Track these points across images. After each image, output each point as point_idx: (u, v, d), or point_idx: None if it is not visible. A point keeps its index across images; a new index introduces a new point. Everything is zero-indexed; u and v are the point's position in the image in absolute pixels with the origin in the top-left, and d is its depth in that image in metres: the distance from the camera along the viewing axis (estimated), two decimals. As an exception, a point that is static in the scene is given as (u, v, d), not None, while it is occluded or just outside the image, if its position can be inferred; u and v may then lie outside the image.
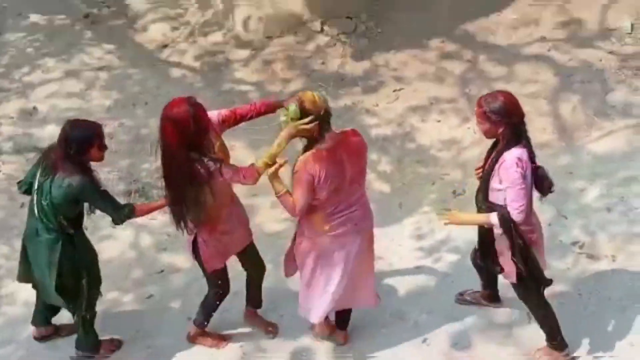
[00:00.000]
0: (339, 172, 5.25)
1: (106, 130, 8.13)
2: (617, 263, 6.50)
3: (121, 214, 5.74)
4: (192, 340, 6.29)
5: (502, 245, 5.33)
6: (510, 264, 5.37)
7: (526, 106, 7.89)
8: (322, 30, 9.37)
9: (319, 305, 5.73)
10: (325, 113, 5.25)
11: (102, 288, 6.93)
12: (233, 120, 5.78)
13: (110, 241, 7.42)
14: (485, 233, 5.50)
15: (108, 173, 7.93)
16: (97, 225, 7.52)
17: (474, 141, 7.95)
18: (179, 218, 5.58)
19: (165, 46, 9.48)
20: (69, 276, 5.74)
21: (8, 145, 8.25)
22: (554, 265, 6.55)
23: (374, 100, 8.54)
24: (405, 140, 8.09)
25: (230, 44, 9.38)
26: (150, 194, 7.73)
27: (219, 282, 6.04)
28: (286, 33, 9.35)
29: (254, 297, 6.40)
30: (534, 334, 5.87)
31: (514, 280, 5.46)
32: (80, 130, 5.53)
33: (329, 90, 8.64)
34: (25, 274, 5.92)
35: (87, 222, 7.42)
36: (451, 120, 8.24)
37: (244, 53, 9.23)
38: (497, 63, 8.68)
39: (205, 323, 6.22)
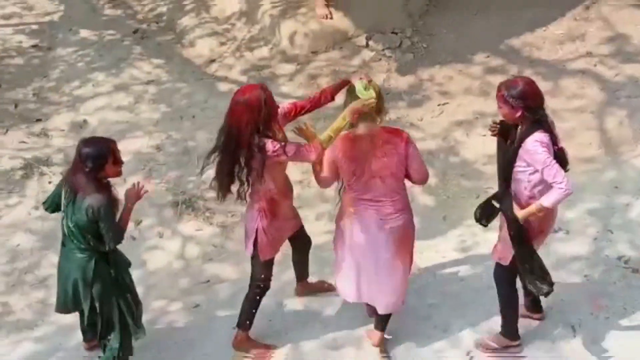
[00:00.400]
0: (359, 160, 5.51)
1: (155, 142, 8.37)
2: (662, 281, 6.46)
3: (112, 241, 5.59)
4: (237, 346, 6.30)
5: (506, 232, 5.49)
6: (509, 249, 5.52)
7: (572, 121, 7.99)
8: (367, 45, 9.43)
9: (340, 284, 6.02)
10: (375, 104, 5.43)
11: (149, 298, 7.08)
12: (294, 113, 5.95)
13: (157, 251, 7.53)
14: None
15: (156, 185, 8.06)
16: (143, 236, 7.65)
17: (518, 155, 7.94)
18: (224, 190, 5.72)
19: (212, 61, 9.61)
20: (103, 298, 5.71)
21: (59, 157, 8.41)
22: (600, 279, 6.54)
23: (419, 114, 8.58)
24: (449, 154, 8.12)
25: (276, 59, 9.47)
26: (197, 206, 7.83)
27: (263, 275, 6.14)
28: (331, 48, 9.42)
29: (301, 270, 6.64)
30: (578, 347, 5.86)
31: (506, 264, 5.63)
32: (93, 148, 5.52)
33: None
34: (64, 304, 5.79)
35: (134, 232, 7.60)
36: (496, 135, 8.24)
37: (289, 67, 9.32)
38: (542, 78, 8.65)
39: (248, 323, 6.24)
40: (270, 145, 5.42)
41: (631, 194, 7.30)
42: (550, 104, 8.12)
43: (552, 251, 6.88)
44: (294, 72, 9.26)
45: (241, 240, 7.40)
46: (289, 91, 9.02)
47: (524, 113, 5.26)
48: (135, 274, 7.26)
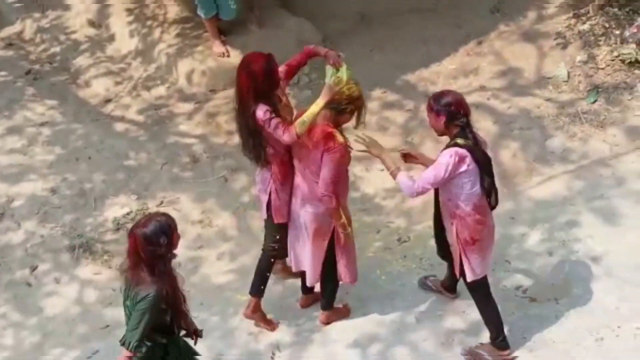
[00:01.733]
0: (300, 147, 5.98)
1: (49, 185, 8.19)
2: (560, 306, 6.58)
3: (131, 342, 5.17)
4: (250, 314, 6.66)
5: (451, 238, 5.91)
6: (456, 257, 5.92)
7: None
8: (265, 82, 9.45)
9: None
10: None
11: (45, 346, 6.90)
12: (290, 74, 6.50)
13: (54, 297, 7.34)
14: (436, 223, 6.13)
15: (51, 229, 7.87)
16: (40, 282, 7.45)
17: (417, 189, 8.03)
18: (255, 155, 6.10)
19: (108, 101, 9.46)
20: None
21: (-50, 204, 8.16)
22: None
23: (318, 150, 8.61)
24: (350, 189, 8.15)
25: (174, 98, 9.39)
26: (95, 249, 7.67)
27: (278, 237, 6.44)
28: (229, 86, 9.38)
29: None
30: None
31: (458, 273, 6.02)
32: (157, 226, 5.00)
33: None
34: None
35: (30, 278, 7.41)
36: (395, 169, 8.32)
37: (188, 106, 9.26)
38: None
39: (262, 288, 6.59)
40: (260, 113, 5.81)
41: (527, 224, 7.46)
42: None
43: (452, 283, 6.97)
44: (193, 111, 9.19)
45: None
46: (187, 130, 8.96)
47: (447, 119, 5.61)
48: (31, 321, 7.13)
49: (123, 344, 5.09)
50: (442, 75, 9.34)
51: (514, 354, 6.19)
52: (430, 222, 7.21)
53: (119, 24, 10.17)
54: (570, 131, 8.37)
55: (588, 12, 9.45)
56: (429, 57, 9.56)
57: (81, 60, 9.97)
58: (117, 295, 7.21)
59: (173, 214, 7.80)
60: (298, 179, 6.15)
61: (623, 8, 9.37)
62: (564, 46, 9.26)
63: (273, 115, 5.83)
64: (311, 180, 6.00)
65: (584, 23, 9.40)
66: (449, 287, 6.74)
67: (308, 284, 6.52)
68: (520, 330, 6.41)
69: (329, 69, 5.99)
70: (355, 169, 8.28)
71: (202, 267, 7.52)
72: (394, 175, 5.78)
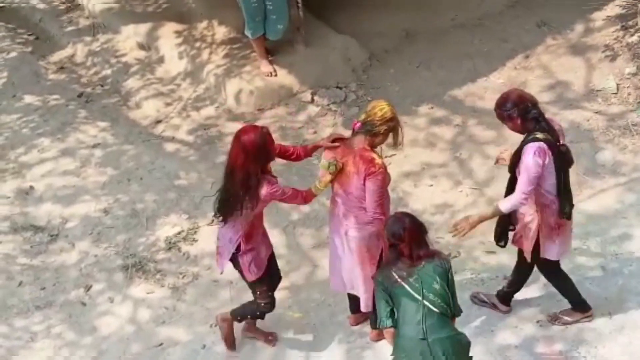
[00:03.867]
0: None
1: (102, 206, 8.31)
2: (614, 320, 6.52)
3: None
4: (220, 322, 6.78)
5: (529, 225, 6.06)
6: (528, 243, 6.12)
7: (516, 167, 8.06)
8: (312, 100, 9.50)
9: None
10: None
11: (101, 364, 7.00)
12: (282, 154, 6.41)
13: (108, 316, 7.42)
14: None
15: (104, 249, 7.99)
16: (94, 302, 7.55)
17: (467, 204, 8.03)
18: (230, 211, 6.04)
19: (159, 122, 9.58)
20: None
21: (5, 225, 8.30)
22: (552, 325, 6.59)
23: (367, 167, 8.63)
24: (398, 205, 8.15)
25: (223, 118, 9.48)
26: (148, 268, 7.75)
27: (264, 288, 6.46)
28: (277, 105, 9.47)
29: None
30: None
31: (529, 259, 6.22)
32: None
33: (321, 160, 8.71)
34: None
35: (85, 298, 7.52)
36: (443, 184, 8.32)
37: (236, 126, 9.30)
38: (486, 127, 8.79)
39: (239, 319, 6.69)
40: (267, 189, 5.85)
41: (579, 238, 7.36)
42: (494, 152, 8.29)
43: (503, 298, 6.93)
44: (241, 130, 9.26)
45: (193, 302, 7.42)
46: (236, 149, 9.02)
47: (522, 118, 5.78)
48: (86, 340, 7.23)
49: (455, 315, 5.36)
50: (489, 89, 9.32)
51: None
52: (480, 238, 7.22)
53: (168, 45, 10.31)
54: (620, 144, 8.30)
55: (636, 24, 9.38)
56: (475, 72, 9.56)
57: (131, 83, 10.12)
58: (170, 314, 7.33)
59: (224, 232, 7.93)
60: (339, 206, 6.21)
61: (672, 18, 9.30)
62: (613, 58, 9.21)
63: (279, 186, 5.97)
64: (355, 205, 6.07)
65: (632, 35, 9.34)
66: (504, 297, 6.73)
67: (363, 309, 6.52)
68: (574, 345, 6.36)
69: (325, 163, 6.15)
70: (403, 185, 8.31)
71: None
72: (498, 213, 6.00)
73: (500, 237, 6.36)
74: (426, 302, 5.16)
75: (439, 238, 7.74)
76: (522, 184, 5.77)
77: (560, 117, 8.64)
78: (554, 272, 6.38)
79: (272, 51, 9.77)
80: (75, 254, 7.99)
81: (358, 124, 6.06)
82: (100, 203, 8.45)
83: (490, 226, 7.50)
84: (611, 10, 9.84)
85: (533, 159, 5.70)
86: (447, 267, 5.28)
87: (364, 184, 5.96)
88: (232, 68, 9.72)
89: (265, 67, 9.58)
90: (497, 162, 6.44)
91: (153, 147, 9.15)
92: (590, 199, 7.85)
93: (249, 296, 7.31)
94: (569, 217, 6.04)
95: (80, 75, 10.47)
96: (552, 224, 6.02)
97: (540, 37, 9.82)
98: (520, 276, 6.56)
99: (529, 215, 6.05)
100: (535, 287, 6.93)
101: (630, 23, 9.49)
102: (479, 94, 9.30)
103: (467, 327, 6.57)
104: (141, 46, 10.53)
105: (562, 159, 5.86)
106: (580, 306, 6.51)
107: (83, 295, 7.61)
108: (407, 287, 5.19)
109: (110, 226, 8.22)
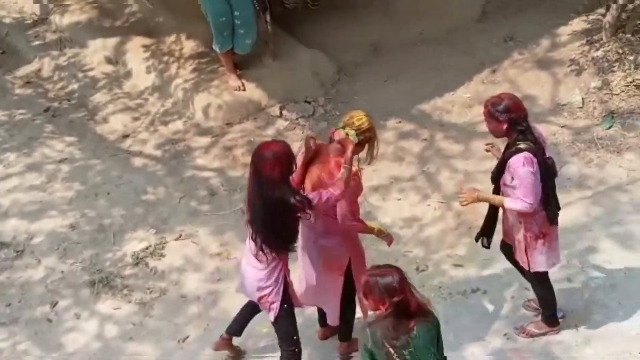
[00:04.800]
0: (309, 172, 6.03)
1: (69, 221, 8.25)
2: (580, 333, 6.56)
3: None
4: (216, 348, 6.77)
5: (517, 234, 6.14)
6: (520, 250, 6.19)
7: (484, 183, 8.10)
8: (281, 114, 9.49)
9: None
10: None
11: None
12: None
13: (74, 333, 7.35)
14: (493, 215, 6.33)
15: (71, 265, 7.92)
16: (60, 318, 7.48)
17: (434, 217, 8.05)
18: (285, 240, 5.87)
19: (126, 136, 9.53)
20: None
21: (-30, 241, 8.22)
22: (520, 338, 6.63)
23: (335, 181, 8.63)
24: (366, 219, 8.09)
25: (191, 132, 9.45)
26: (115, 284, 7.69)
27: (295, 336, 6.20)
28: (246, 119, 9.46)
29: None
30: None
31: (531, 269, 6.25)
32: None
33: (290, 174, 8.72)
34: None
35: (51, 314, 7.45)
36: (411, 198, 8.34)
37: (204, 140, 9.31)
38: (454, 141, 8.83)
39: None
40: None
41: (545, 251, 7.43)
42: (462, 166, 8.35)
43: (471, 312, 6.96)
44: (209, 145, 9.24)
45: (161, 317, 7.38)
46: (204, 163, 9.01)
47: (509, 126, 5.76)
48: (52, 357, 7.15)
49: None
50: (456, 104, 9.38)
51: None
52: (447, 251, 7.25)
53: (136, 60, 10.27)
54: (586, 157, 8.37)
55: (601, 39, 9.48)
56: (443, 86, 9.60)
57: (99, 97, 10.07)
58: (138, 330, 7.28)
59: (191, 247, 7.93)
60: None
61: (636, 34, 9.40)
62: (578, 73, 9.30)
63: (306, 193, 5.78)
64: (325, 214, 5.99)
65: (597, 49, 9.43)
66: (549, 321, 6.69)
67: (330, 322, 6.55)
68: (541, 357, 6.40)
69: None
70: (372, 199, 8.32)
71: (222, 300, 7.53)
72: (500, 205, 6.06)
73: (484, 235, 6.42)
74: None
75: (407, 252, 7.76)
76: (522, 195, 5.78)
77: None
78: (543, 282, 6.40)
79: (240, 65, 9.76)
80: (41, 270, 7.91)
81: (335, 133, 6.01)
82: (67, 218, 8.39)
83: (458, 239, 7.59)
84: (577, 25, 9.94)
85: (524, 169, 5.73)
86: (437, 325, 4.87)
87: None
88: (200, 82, 9.71)
89: (233, 81, 9.57)
90: (488, 150, 6.47)
91: (120, 162, 9.10)
92: (556, 212, 7.91)
93: (216, 311, 7.31)
94: (554, 220, 6.11)
95: (47, 89, 10.40)
96: (536, 233, 6.06)
97: (507, 51, 9.89)
98: (549, 292, 6.53)
99: (516, 228, 6.14)
100: (503, 300, 6.97)
101: (595, 37, 9.58)
102: (446, 108, 9.34)
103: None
104: (109, 60, 10.48)
105: (547, 171, 5.91)
106: (551, 319, 6.56)
107: (49, 312, 7.53)
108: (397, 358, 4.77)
109: (77, 242, 8.15)
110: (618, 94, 8.93)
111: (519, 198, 5.80)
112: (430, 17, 10.49)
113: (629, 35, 9.39)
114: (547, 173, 5.92)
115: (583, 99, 9.02)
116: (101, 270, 7.85)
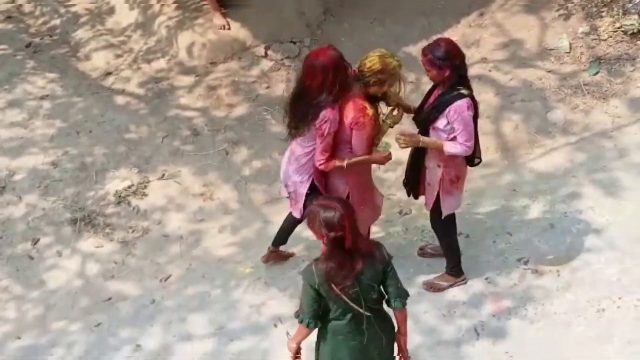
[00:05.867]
0: None
1: (50, 159, 8.18)
2: (562, 278, 6.59)
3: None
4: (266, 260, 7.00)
5: (432, 177, 6.11)
6: (432, 194, 6.18)
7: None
8: (266, 55, 9.39)
9: None
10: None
11: (48, 318, 6.93)
12: None
13: (56, 270, 7.35)
14: (415, 164, 6.26)
15: (52, 203, 7.87)
16: (41, 255, 7.46)
17: (418, 161, 8.02)
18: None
19: (108, 74, 9.42)
20: None
21: (-49, 178, 8.15)
22: (500, 281, 6.66)
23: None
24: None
25: (175, 71, 9.34)
26: (97, 222, 7.67)
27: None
28: (230, 59, 9.36)
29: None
30: (482, 349, 5.98)
31: (429, 208, 6.31)
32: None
33: (273, 115, 8.67)
34: None
35: (32, 251, 7.43)
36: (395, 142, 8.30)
37: (188, 79, 9.22)
38: (439, 84, 8.78)
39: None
40: (327, 114, 5.77)
41: (528, 196, 7.45)
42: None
43: (453, 255, 6.98)
44: (193, 84, 9.15)
45: (143, 257, 7.38)
46: (187, 103, 8.93)
47: (451, 72, 5.71)
48: (33, 294, 7.16)
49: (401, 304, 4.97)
50: (443, 47, 9.29)
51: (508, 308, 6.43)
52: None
53: (119, -4, 10.12)
54: (572, 103, 8.34)
55: (591, -17, 9.40)
56: (430, 29, 9.50)
57: (81, 33, 9.92)
58: (120, 268, 7.28)
59: (174, 187, 7.91)
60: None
61: (626, -21, 9.33)
62: (566, 17, 9.21)
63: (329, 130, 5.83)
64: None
65: (586, -6, 9.36)
66: (458, 273, 6.72)
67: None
68: (521, 301, 6.43)
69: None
70: (356, 142, 8.26)
71: (204, 240, 7.53)
72: (439, 147, 5.88)
73: (409, 182, 6.39)
74: (367, 313, 4.87)
75: (391, 195, 7.76)
76: (463, 139, 5.76)
77: (513, 76, 8.70)
78: (449, 226, 6.41)
79: (225, 4, 9.62)
80: (22, 207, 7.86)
81: (354, 71, 6.00)
82: (49, 156, 8.31)
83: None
84: (566, -32, 9.85)
85: (468, 113, 5.73)
86: (387, 264, 4.86)
87: (350, 132, 5.91)
88: (184, 20, 9.57)
89: (218, 19, 9.44)
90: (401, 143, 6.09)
91: (103, 100, 9.00)
92: (540, 157, 7.90)
93: (199, 251, 7.32)
94: (474, 165, 6.19)
95: (29, 25, 10.23)
96: (452, 177, 6.07)
97: (495, -6, 9.80)
98: (452, 237, 6.56)
99: (432, 171, 6.12)
100: (485, 244, 6.99)
101: (584, -18, 9.51)
102: (433, 51, 9.25)
103: (415, 284, 6.62)
104: (91, -4, 10.33)
105: (476, 115, 5.91)
106: (456, 271, 6.61)
107: (30, 249, 7.51)
108: (346, 299, 4.80)
109: (59, 179, 8.09)
110: (605, 40, 8.87)
111: (459, 143, 5.79)
112: (419, -42, 10.36)
113: (618, -20, 9.32)
114: (475, 117, 5.91)
115: (570, 44, 8.95)
116: (83, 209, 7.81)
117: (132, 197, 7.92)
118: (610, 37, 8.85)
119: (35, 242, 7.56)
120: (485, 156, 7.86)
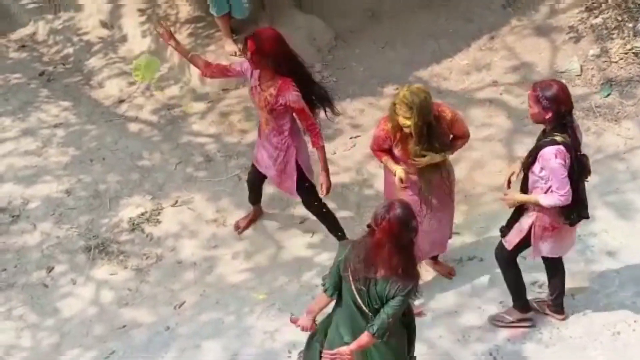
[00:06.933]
0: None
1: (64, 187, 8.23)
2: (577, 301, 6.58)
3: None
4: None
5: (525, 220, 6.01)
6: (516, 235, 6.08)
7: (481, 150, 8.15)
8: (277, 80, 9.43)
9: None
10: None
11: (63, 347, 6.94)
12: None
13: (70, 298, 7.37)
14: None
15: (67, 231, 7.90)
16: (56, 283, 7.49)
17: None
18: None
19: (122, 101, 9.48)
20: None
21: (-34, 206, 8.20)
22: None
23: (332, 148, 8.59)
24: (363, 186, 8.16)
25: (187, 97, 9.40)
26: (111, 249, 7.69)
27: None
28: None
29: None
30: None
31: (509, 248, 6.17)
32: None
33: (286, 140, 8.68)
34: None
35: (47, 279, 7.45)
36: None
37: (201, 106, 9.27)
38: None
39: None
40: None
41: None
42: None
43: (467, 280, 6.97)
44: (206, 110, 9.20)
45: (157, 283, 7.39)
46: (200, 129, 8.97)
47: (553, 116, 5.56)
48: (48, 322, 7.18)
49: (373, 331, 4.98)
50: (454, 70, 9.33)
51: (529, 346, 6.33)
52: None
53: (131, 24, 10.18)
54: (584, 125, 8.34)
55: (600, 6, 9.42)
56: (440, 53, 9.55)
57: (94, 62, 10.00)
58: (134, 295, 7.29)
59: (187, 213, 7.93)
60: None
61: (635, 1, 9.33)
62: (577, 40, 9.25)
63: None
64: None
65: (596, 17, 9.37)
66: (556, 308, 6.56)
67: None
68: (537, 325, 6.41)
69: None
70: (369, 166, 8.29)
71: (218, 266, 7.54)
72: (536, 203, 5.82)
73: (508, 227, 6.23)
74: (370, 313, 5.01)
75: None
76: (556, 187, 5.63)
77: (524, 99, 8.66)
78: (556, 265, 6.30)
79: (237, 30, 9.67)
80: (37, 235, 7.89)
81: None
82: (63, 184, 8.36)
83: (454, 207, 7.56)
84: (576, -9, 9.89)
85: (556, 161, 5.56)
86: (397, 296, 4.89)
87: None
88: (196, 47, 9.62)
89: (229, 46, 9.49)
90: (508, 184, 6.22)
91: (116, 127, 9.06)
92: (553, 180, 7.89)
93: (212, 278, 7.32)
94: (572, 223, 5.95)
95: (42, 53, 10.33)
96: (546, 225, 5.93)
97: (506, 17, 9.82)
98: (556, 278, 6.44)
99: (528, 213, 6.00)
100: (498, 268, 6.97)
101: (594, 4, 9.53)
102: (443, 75, 9.30)
103: (428, 309, 6.61)
104: (104, 24, 10.39)
105: (580, 167, 5.75)
106: (519, 305, 6.51)
107: (45, 277, 7.54)
108: (354, 289, 4.97)
109: (73, 207, 8.13)
110: (617, 62, 8.90)
111: (552, 192, 5.68)
112: (429, -18, 10.41)
113: (628, 2, 9.33)
114: (579, 169, 5.75)
115: (581, 66, 8.98)
116: (97, 236, 7.84)
117: (145, 224, 7.94)
118: (621, 59, 8.87)
119: (50, 270, 7.59)
120: (499, 180, 7.89)
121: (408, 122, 5.90)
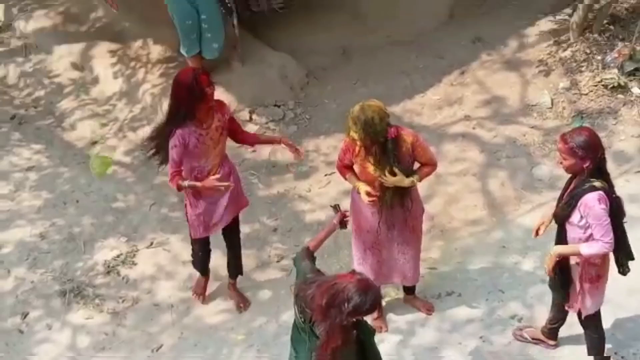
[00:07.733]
0: None
1: (38, 230, 8.15)
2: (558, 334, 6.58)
3: None
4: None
5: (574, 274, 5.80)
6: (575, 295, 5.86)
7: (456, 184, 8.18)
8: (250, 119, 9.43)
9: None
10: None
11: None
12: (235, 134, 6.88)
13: (46, 344, 7.26)
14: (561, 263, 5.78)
15: (41, 275, 7.82)
16: (31, 329, 7.38)
17: (407, 221, 8.04)
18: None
19: (94, 143, 9.44)
20: None
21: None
22: (495, 340, 6.64)
23: (306, 186, 8.60)
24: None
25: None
26: (86, 293, 7.61)
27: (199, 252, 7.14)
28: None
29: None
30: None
31: (589, 313, 5.91)
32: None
33: (260, 179, 8.68)
34: None
35: (22, 325, 7.35)
36: (383, 202, 8.32)
37: (174, 146, 9.23)
38: (424, 143, 8.84)
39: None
40: (173, 141, 6.51)
41: (518, 252, 7.47)
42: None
43: (446, 315, 6.96)
44: (179, 150, 9.16)
45: (134, 327, 7.32)
46: (174, 170, 8.92)
47: (591, 163, 5.40)
48: (24, 370, 7.06)
49: None
50: (426, 106, 9.39)
51: None
52: (421, 254, 7.23)
53: (103, 65, 10.17)
54: (557, 158, 8.39)
55: (569, 39, 9.55)
56: (412, 89, 9.61)
57: (66, 104, 9.96)
58: (110, 340, 7.20)
59: (163, 255, 7.87)
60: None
61: (603, 33, 9.48)
62: (547, 73, 9.35)
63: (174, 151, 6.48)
64: None
65: (565, 50, 9.49)
66: (551, 333, 6.51)
67: None
68: (520, 357, 6.41)
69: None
70: (344, 203, 8.25)
71: (195, 308, 7.47)
72: (577, 254, 5.60)
73: (561, 284, 5.98)
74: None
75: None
76: (600, 235, 5.42)
77: (497, 132, 8.77)
78: (596, 324, 6.11)
79: (208, 70, 9.67)
80: (11, 281, 7.80)
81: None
82: (36, 227, 8.28)
83: (430, 242, 7.60)
84: (544, 25, 9.99)
85: (600, 207, 5.38)
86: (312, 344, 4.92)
87: None
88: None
89: (202, 86, 9.48)
90: (537, 234, 6.08)
91: (89, 170, 8.97)
92: (528, 213, 7.91)
93: (190, 319, 7.26)
94: (625, 272, 5.84)
95: (13, 97, 10.26)
96: (592, 276, 5.77)
97: (475, 53, 9.92)
98: (561, 311, 6.33)
99: (573, 266, 5.83)
100: (478, 303, 6.98)
101: (562, 38, 9.65)
102: (416, 110, 9.35)
103: (409, 346, 6.59)
104: (75, 66, 10.36)
105: (618, 210, 5.58)
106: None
107: (20, 323, 7.43)
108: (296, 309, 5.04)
109: (47, 251, 8.05)
110: (587, 94, 8.99)
111: (595, 240, 5.46)
112: (399, 20, 10.49)
113: (596, 35, 9.48)
114: (617, 214, 5.58)
115: (552, 99, 9.06)
116: (72, 280, 7.76)
117: (121, 267, 7.87)
118: (591, 91, 8.97)
119: (25, 315, 7.49)
120: (474, 214, 7.92)
121: (355, 136, 5.92)
